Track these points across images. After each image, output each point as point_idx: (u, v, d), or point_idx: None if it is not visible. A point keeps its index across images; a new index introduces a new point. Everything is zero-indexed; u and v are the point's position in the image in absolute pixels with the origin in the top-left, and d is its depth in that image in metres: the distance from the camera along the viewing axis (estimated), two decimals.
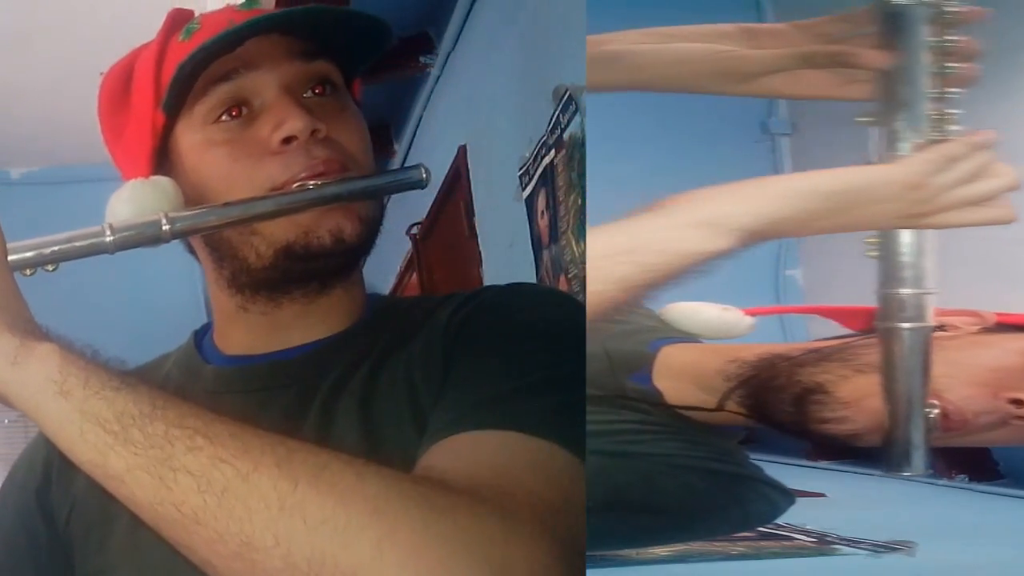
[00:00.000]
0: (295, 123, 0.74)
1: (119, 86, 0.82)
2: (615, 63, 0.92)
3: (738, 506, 1.11)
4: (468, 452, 0.62)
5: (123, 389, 0.59)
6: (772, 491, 1.12)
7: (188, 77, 0.75)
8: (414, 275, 3.16)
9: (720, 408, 1.04)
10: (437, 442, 0.64)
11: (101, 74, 0.83)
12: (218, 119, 0.76)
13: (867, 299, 1.19)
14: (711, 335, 1.16)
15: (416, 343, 0.76)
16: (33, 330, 0.63)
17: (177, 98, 0.76)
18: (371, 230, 0.78)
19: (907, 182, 0.77)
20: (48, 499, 0.79)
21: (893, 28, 0.82)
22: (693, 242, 0.69)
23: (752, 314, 1.18)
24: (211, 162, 0.76)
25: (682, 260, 0.68)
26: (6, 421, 4.24)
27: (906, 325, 0.85)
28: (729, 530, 1.24)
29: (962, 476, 2.41)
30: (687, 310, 1.19)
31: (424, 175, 0.80)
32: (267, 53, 0.76)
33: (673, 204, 0.71)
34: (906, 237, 0.83)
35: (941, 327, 1.02)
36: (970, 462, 2.43)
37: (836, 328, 1.21)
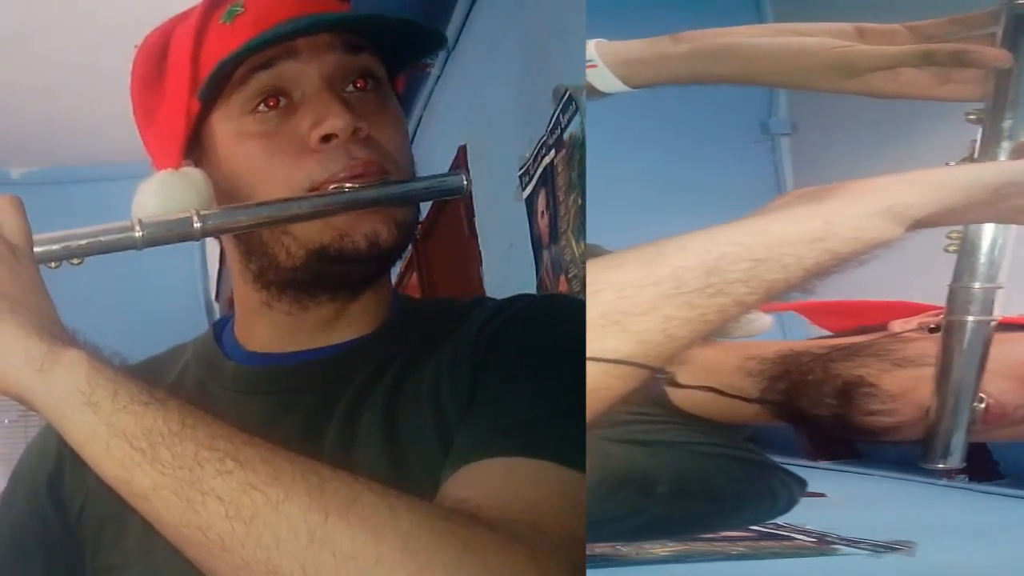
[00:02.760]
0: (336, 121, 0.72)
1: (153, 62, 0.79)
2: (725, 55, 0.93)
3: (769, 493, 1.12)
4: (501, 482, 0.61)
5: (152, 404, 0.57)
6: (790, 479, 1.14)
7: (230, 72, 0.73)
8: (414, 275, 3.16)
9: (761, 400, 1.05)
10: (467, 464, 0.63)
11: (135, 46, 0.80)
12: (255, 109, 0.74)
13: (862, 298, 1.19)
14: (740, 333, 1.16)
15: (443, 352, 0.75)
16: (60, 334, 0.60)
17: (215, 89, 0.74)
18: (406, 235, 0.76)
19: None
20: (60, 489, 0.78)
21: (1017, 29, 0.83)
22: (875, 231, 0.68)
23: None
24: (246, 154, 0.74)
25: (863, 248, 0.68)
26: (6, 421, 4.24)
27: (971, 319, 0.86)
28: (760, 518, 1.25)
29: (962, 476, 2.41)
30: None
31: (464, 182, 0.78)
32: (310, 42, 0.74)
33: (845, 192, 0.71)
34: (991, 232, 0.84)
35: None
36: (970, 462, 2.43)
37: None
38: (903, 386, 0.99)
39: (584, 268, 1.87)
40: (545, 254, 2.19)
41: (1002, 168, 0.79)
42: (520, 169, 2.27)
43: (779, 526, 1.63)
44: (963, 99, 0.86)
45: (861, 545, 1.54)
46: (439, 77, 2.97)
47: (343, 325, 0.78)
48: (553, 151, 2.06)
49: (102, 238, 0.69)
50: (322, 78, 0.74)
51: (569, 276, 2.03)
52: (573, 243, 1.99)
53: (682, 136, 3.68)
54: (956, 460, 0.92)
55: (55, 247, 0.68)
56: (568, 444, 0.63)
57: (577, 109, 1.91)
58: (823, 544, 1.57)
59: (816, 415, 1.03)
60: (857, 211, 0.69)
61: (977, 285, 0.85)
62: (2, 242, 0.63)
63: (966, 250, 0.85)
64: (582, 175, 1.93)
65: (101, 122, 3.13)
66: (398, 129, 0.77)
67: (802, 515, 1.66)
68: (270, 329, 0.79)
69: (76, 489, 0.77)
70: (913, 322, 1.06)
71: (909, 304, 1.11)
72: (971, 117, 0.85)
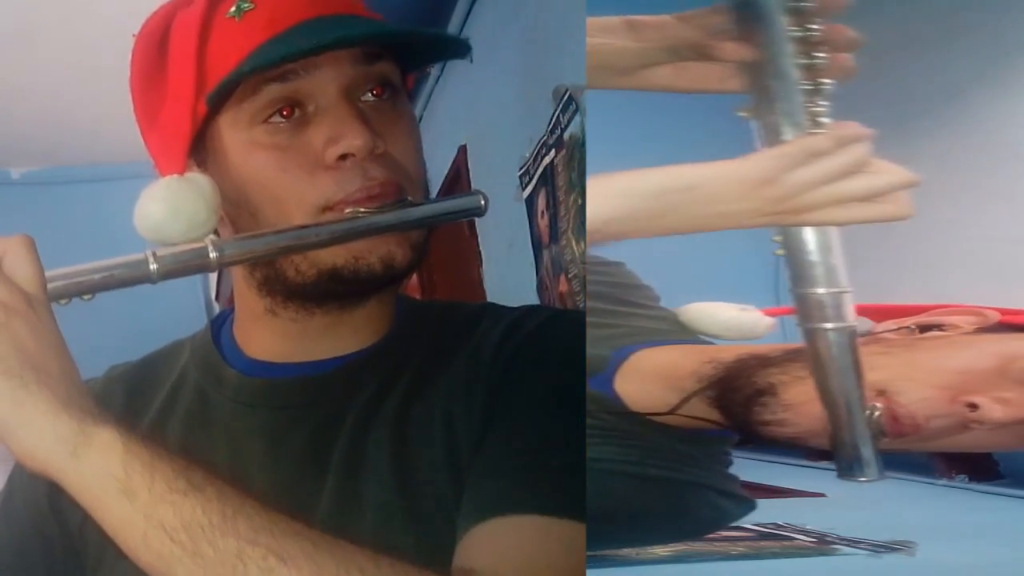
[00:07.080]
0: (354, 141, 0.69)
1: (153, 53, 0.75)
2: None
3: (684, 512, 1.09)
4: (525, 547, 0.61)
5: (191, 493, 0.55)
6: (720, 498, 1.10)
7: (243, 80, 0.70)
8: (414, 275, 3.16)
9: (675, 412, 1.02)
10: (481, 522, 0.62)
11: (133, 36, 0.77)
12: (267, 119, 0.71)
13: (866, 299, 1.19)
14: (729, 336, 1.14)
15: (455, 370, 0.73)
16: (89, 406, 0.58)
17: (225, 94, 0.71)
18: (420, 255, 0.75)
19: (754, 179, 0.74)
20: (60, 501, 0.76)
21: (749, 19, 0.77)
22: None
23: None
24: (257, 166, 0.71)
25: None
26: None
27: (829, 325, 0.83)
28: (677, 536, 1.21)
29: (962, 476, 2.41)
30: (705, 310, 1.17)
31: (482, 202, 0.76)
32: (329, 54, 0.70)
33: None
34: (810, 235, 0.80)
35: (938, 326, 1.01)
36: (970, 462, 2.42)
37: None
38: (802, 396, 0.94)
39: (584, 268, 1.87)
40: (545, 254, 2.18)
41: (672, 173, 0.75)
42: (520, 169, 2.27)
43: (779, 526, 1.62)
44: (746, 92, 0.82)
45: (861, 545, 1.54)
46: (439, 77, 2.97)
47: (348, 333, 0.76)
48: (553, 151, 2.05)
49: (116, 272, 0.67)
50: (339, 90, 0.71)
51: (569, 276, 2.02)
52: (573, 243, 1.99)
53: (682, 136, 3.67)
54: (873, 472, 0.87)
55: (68, 284, 0.65)
56: (574, 495, 0.63)
57: (577, 109, 1.91)
58: (823, 544, 1.56)
59: (736, 423, 1.00)
60: None
61: (820, 290, 0.81)
62: (18, 293, 0.60)
63: (791, 254, 0.81)
64: (582, 175, 1.93)
65: (101, 122, 3.12)
66: (412, 139, 0.75)
67: (802, 515, 1.66)
68: (273, 336, 0.77)
69: (76, 504, 0.76)
70: (907, 322, 1.03)
71: (928, 306, 1.08)
72: (742, 113, 0.80)
